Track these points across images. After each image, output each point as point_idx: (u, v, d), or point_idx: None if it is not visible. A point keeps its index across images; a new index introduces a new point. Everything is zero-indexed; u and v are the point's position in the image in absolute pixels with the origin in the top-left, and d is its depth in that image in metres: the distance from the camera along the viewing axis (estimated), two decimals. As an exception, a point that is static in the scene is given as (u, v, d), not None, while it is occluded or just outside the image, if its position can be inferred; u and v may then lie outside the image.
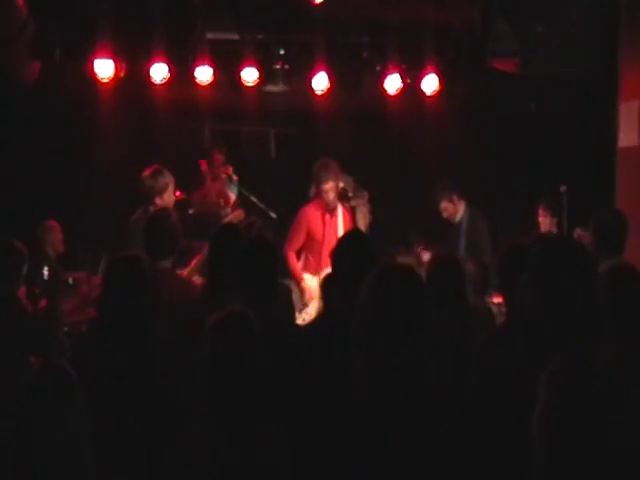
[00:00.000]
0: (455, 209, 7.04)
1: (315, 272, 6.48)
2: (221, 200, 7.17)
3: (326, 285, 4.05)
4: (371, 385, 2.25)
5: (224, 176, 7.30)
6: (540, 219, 6.87)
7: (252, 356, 2.78)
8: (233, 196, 7.27)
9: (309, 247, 6.61)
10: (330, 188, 6.38)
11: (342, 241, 3.79)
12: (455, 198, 7.04)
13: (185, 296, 4.21)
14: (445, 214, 7.07)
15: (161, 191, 5.53)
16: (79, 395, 2.57)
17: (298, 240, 6.55)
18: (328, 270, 6.11)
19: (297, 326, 4.58)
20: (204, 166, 7.43)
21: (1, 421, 2.52)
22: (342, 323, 3.44)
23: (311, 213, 6.58)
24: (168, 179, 5.62)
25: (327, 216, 6.55)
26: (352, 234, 4.07)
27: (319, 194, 6.50)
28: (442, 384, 2.32)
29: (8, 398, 2.80)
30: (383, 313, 2.22)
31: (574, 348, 1.82)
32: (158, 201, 5.50)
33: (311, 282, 6.43)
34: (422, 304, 2.26)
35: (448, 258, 4.31)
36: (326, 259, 6.20)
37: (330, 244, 6.45)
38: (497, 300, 5.82)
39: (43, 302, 4.75)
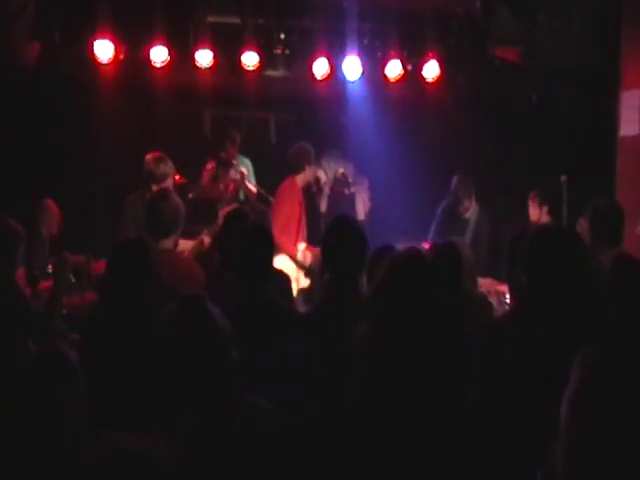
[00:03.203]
0: (470, 206, 7.17)
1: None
2: (224, 187, 7.12)
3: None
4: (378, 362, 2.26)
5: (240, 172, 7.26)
6: (530, 209, 6.86)
7: (211, 343, 2.61)
8: (254, 188, 7.24)
9: (287, 224, 6.52)
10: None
11: (333, 225, 3.77)
12: (473, 197, 7.12)
13: (187, 276, 4.23)
14: (461, 209, 7.12)
15: (159, 180, 5.52)
16: (79, 379, 2.55)
17: (282, 217, 6.47)
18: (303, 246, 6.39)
19: (296, 311, 4.57)
20: (210, 166, 7.36)
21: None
22: (337, 307, 3.46)
23: (291, 191, 6.61)
24: (169, 169, 5.60)
25: (301, 194, 6.64)
26: (343, 218, 4.03)
27: (304, 174, 6.59)
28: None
29: (5, 382, 2.79)
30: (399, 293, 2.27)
31: (610, 333, 1.81)
32: (154, 188, 5.48)
33: (305, 252, 6.47)
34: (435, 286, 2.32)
35: (447, 246, 4.28)
36: (301, 236, 6.47)
37: (304, 222, 6.55)
38: (485, 289, 5.82)
39: (43, 284, 4.71)
